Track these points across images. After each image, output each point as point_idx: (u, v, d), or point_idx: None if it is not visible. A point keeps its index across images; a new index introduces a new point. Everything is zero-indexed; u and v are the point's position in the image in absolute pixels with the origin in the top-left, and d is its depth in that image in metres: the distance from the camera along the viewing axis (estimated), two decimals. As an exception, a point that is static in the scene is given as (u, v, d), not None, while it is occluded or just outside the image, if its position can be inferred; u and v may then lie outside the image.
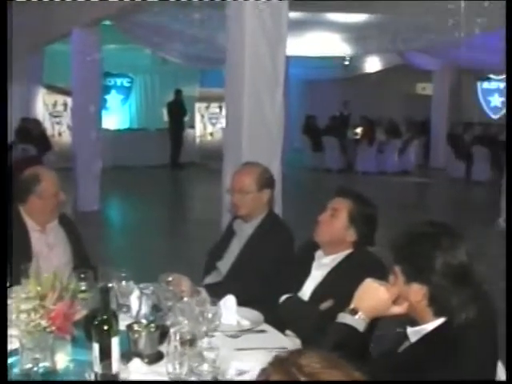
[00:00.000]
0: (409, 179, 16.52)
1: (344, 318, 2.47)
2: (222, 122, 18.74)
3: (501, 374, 2.57)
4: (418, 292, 2.37)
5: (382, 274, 2.76)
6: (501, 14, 9.47)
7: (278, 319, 3.36)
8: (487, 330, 2.41)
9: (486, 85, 20.91)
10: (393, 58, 17.28)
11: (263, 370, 1.49)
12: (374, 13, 10.30)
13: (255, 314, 3.30)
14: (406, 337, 2.51)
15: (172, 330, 2.56)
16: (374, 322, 2.72)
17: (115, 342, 2.36)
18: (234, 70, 5.63)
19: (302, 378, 1.36)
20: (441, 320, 2.37)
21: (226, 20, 5.68)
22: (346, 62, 16.21)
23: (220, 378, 2.46)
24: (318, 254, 3.64)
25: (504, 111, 19.88)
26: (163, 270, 3.37)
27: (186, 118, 17.57)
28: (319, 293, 3.47)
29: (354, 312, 2.46)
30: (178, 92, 17.26)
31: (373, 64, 18.48)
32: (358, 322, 2.45)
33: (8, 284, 3.03)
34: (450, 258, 2.33)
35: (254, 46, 5.44)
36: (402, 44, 12.97)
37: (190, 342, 2.50)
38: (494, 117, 20.51)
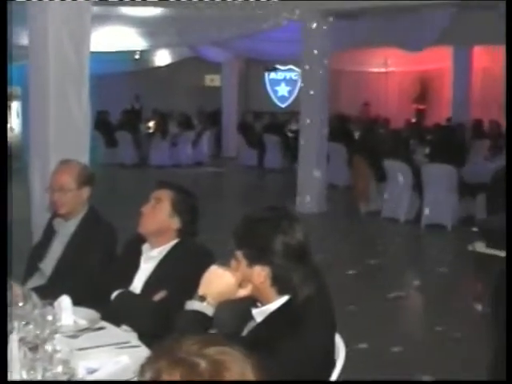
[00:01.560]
0: (203, 170, 16.69)
1: (193, 304, 2.52)
2: (11, 121, 17.93)
3: (339, 344, 2.76)
4: (260, 273, 2.49)
5: (209, 261, 2.85)
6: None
7: (112, 316, 3.36)
8: (325, 304, 2.60)
9: (273, 75, 21.60)
10: (183, 51, 17.40)
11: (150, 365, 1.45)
12: (166, 7, 10.36)
13: (90, 313, 3.29)
14: (250, 317, 2.62)
15: (19, 337, 2.49)
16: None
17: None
18: (38, 67, 5.48)
19: (197, 360, 1.40)
20: (285, 298, 2.51)
21: (28, 16, 5.49)
22: (137, 56, 16.12)
23: (72, 379, 2.44)
24: (145, 247, 3.66)
25: (291, 100, 20.85)
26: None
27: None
28: (151, 285, 3.50)
29: (202, 299, 2.52)
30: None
31: (163, 57, 18.53)
32: (207, 307, 2.51)
33: None
34: (289, 238, 2.47)
35: (58, 42, 5.32)
36: (191, 38, 13.16)
37: (39, 346, 2.44)
38: (282, 105, 21.33)
